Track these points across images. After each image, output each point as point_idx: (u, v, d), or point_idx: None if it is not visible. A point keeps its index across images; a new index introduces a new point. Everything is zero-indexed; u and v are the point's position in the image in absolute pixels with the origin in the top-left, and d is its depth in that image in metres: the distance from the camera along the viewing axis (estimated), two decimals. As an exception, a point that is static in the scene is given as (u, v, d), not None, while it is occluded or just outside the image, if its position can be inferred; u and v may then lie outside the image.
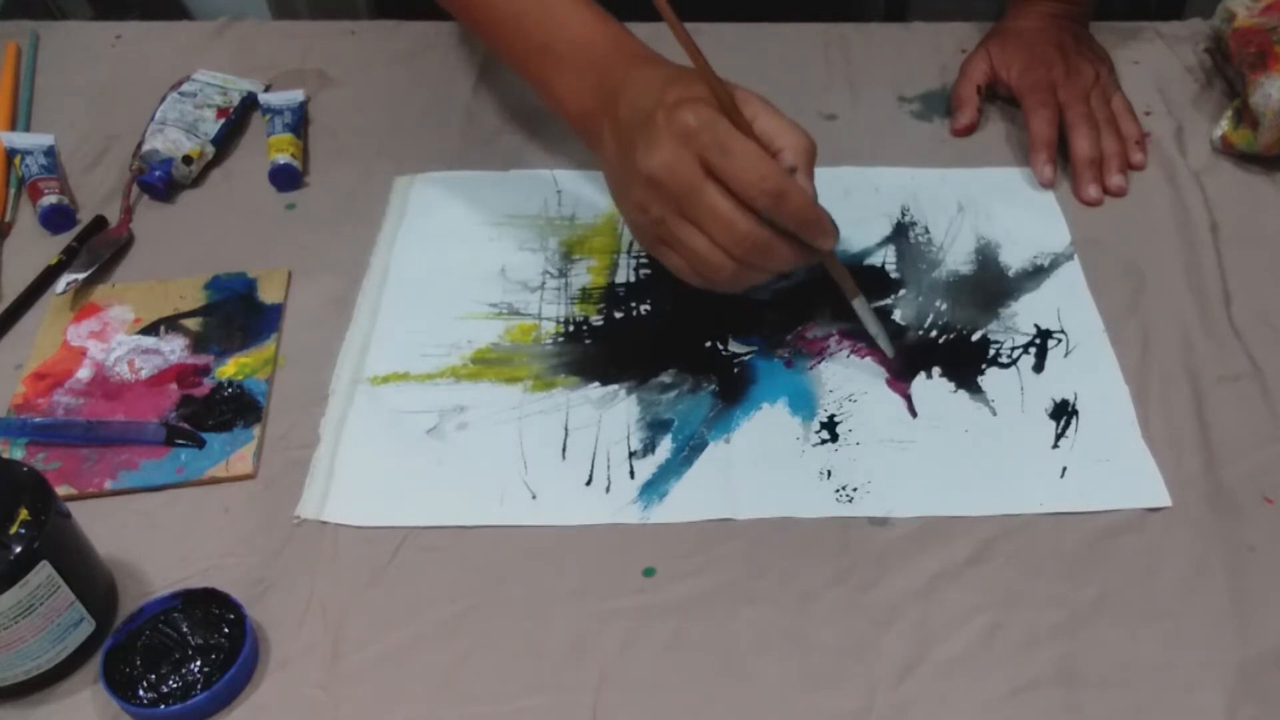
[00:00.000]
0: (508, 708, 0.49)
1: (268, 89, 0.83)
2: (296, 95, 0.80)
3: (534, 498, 0.57)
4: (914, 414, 0.60)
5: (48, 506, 0.47)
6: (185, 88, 0.81)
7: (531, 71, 0.65)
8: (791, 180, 0.54)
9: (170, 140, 0.75)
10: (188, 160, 0.74)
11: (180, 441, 0.59)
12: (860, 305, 0.61)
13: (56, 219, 0.72)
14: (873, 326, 0.61)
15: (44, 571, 0.47)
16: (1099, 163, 0.74)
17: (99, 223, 0.72)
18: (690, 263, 0.57)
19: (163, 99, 0.80)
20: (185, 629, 0.50)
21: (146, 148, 0.75)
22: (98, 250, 0.69)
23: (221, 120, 0.78)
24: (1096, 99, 0.78)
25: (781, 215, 0.54)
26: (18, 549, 0.46)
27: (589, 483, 0.57)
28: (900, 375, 0.61)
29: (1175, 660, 0.50)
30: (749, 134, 0.55)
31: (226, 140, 0.78)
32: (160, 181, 0.74)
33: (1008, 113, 0.81)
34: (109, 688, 0.48)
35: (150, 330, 0.65)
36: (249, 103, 0.81)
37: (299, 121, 0.79)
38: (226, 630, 0.50)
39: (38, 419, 0.60)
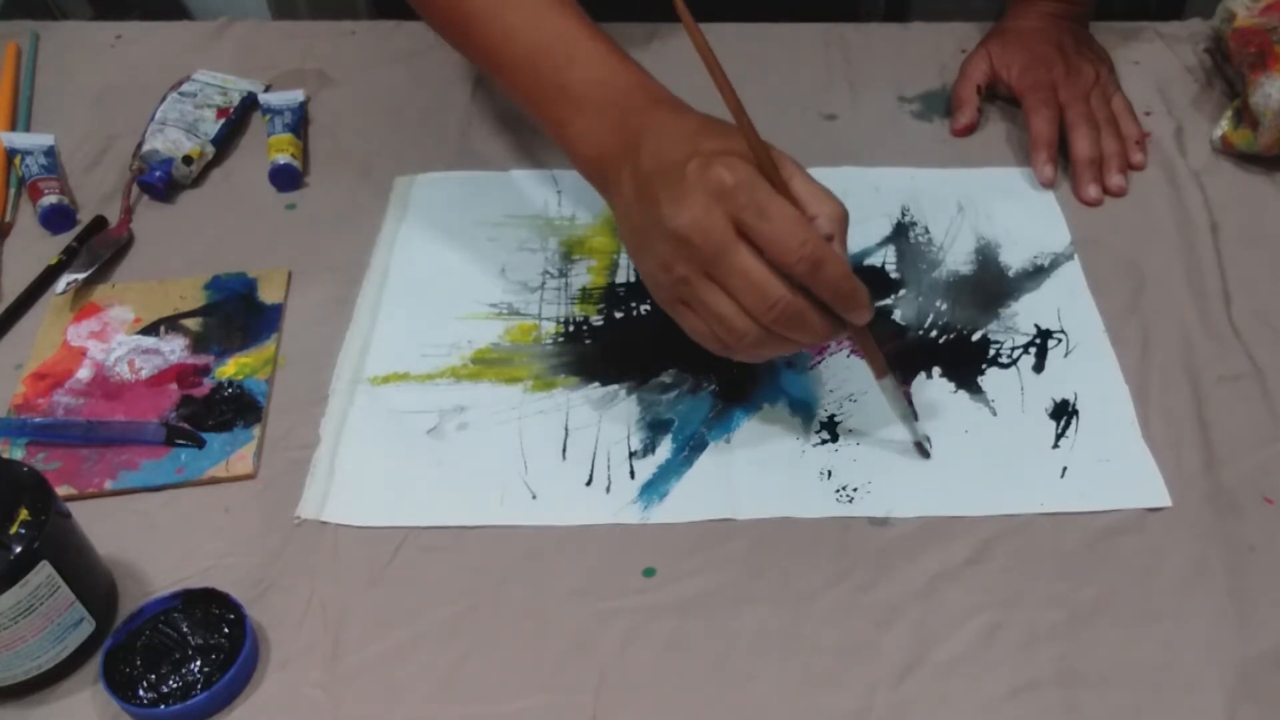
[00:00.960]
0: (508, 708, 0.49)
1: (268, 89, 0.83)
2: (296, 95, 0.80)
3: (534, 498, 0.57)
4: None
5: (48, 506, 0.47)
6: (185, 88, 0.81)
7: (545, 112, 0.61)
8: (830, 249, 0.51)
9: (170, 140, 0.75)
10: (188, 160, 0.74)
11: (180, 441, 0.59)
12: (888, 386, 0.58)
13: (56, 219, 0.72)
14: (899, 410, 0.59)
15: (44, 571, 0.47)
16: (1099, 163, 0.74)
17: (99, 223, 0.72)
18: (712, 327, 0.53)
19: (163, 99, 0.80)
20: (185, 629, 0.50)
21: (146, 148, 0.75)
22: (98, 250, 0.69)
23: (221, 120, 0.78)
24: (1096, 99, 0.78)
25: (818, 285, 0.51)
26: (18, 549, 0.46)
27: (589, 483, 0.57)
28: (926, 455, 0.59)
29: (1175, 660, 0.50)
30: (786, 195, 0.52)
31: (226, 140, 0.78)
32: (160, 181, 0.74)
33: (1008, 113, 0.81)
34: (109, 688, 0.48)
35: (150, 330, 0.65)
36: (249, 103, 0.81)
37: (299, 121, 0.79)
38: (226, 630, 0.50)
39: (38, 419, 0.60)
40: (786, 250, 0.50)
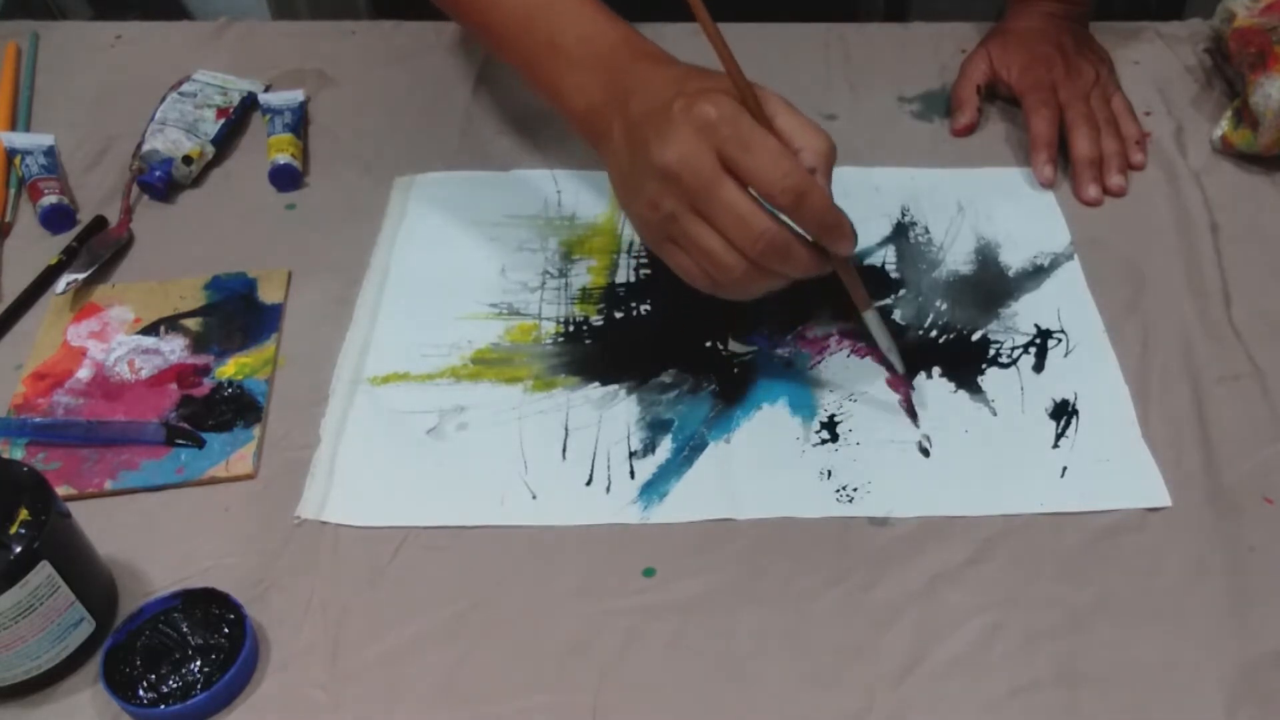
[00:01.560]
0: (508, 708, 0.49)
1: (268, 89, 0.83)
2: (296, 95, 0.80)
3: (534, 498, 0.57)
4: (916, 424, 0.60)
5: (48, 506, 0.47)
6: (185, 88, 0.81)
7: (536, 69, 0.63)
8: (813, 180, 0.52)
9: (170, 140, 0.75)
10: (188, 160, 0.74)
11: (180, 441, 0.59)
12: (872, 318, 0.59)
13: (56, 219, 0.72)
14: (884, 341, 0.60)
15: (44, 571, 0.47)
16: (1099, 163, 0.74)
17: (99, 223, 0.72)
18: (700, 263, 0.55)
19: (163, 99, 0.80)
20: (185, 629, 0.50)
21: (146, 148, 0.75)
22: (98, 250, 0.69)
23: (221, 120, 0.78)
24: (1096, 99, 0.78)
25: (802, 216, 0.52)
26: (18, 549, 0.46)
27: (589, 483, 0.57)
28: (909, 387, 0.60)
29: (1175, 660, 0.50)
30: (770, 130, 0.53)
31: (226, 140, 0.78)
32: (160, 181, 0.74)
33: (1008, 113, 0.81)
34: (109, 688, 0.48)
35: (150, 330, 0.65)
36: (249, 103, 0.81)
37: (299, 121, 0.79)
38: (226, 630, 0.50)
39: (38, 419, 0.60)
40: (769, 182, 0.51)
